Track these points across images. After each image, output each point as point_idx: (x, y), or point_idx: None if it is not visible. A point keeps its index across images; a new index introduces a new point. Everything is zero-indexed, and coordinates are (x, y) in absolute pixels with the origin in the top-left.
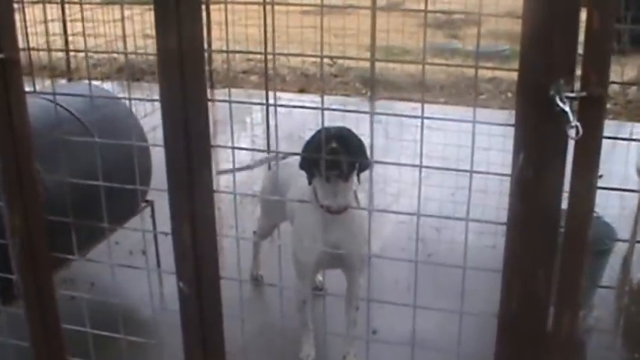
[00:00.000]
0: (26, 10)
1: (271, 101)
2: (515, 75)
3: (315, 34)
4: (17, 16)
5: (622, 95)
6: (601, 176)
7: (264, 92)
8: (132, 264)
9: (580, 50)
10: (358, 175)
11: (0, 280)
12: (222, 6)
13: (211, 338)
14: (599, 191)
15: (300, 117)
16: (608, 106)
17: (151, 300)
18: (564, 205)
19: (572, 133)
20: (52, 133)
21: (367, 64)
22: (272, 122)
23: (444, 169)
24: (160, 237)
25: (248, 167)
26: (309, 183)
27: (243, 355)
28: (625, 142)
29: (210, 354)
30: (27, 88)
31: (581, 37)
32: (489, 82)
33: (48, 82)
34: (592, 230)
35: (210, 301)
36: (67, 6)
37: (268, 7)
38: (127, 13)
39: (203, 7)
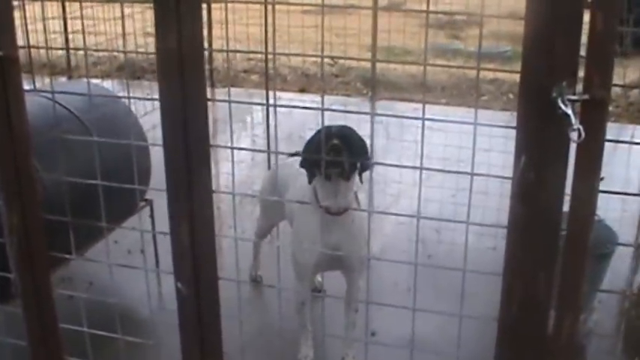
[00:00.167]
0: (26, 7)
1: (272, 101)
2: (516, 76)
3: (316, 34)
4: (17, 14)
5: (624, 98)
6: (602, 179)
7: (264, 92)
8: (130, 263)
9: (582, 52)
10: (360, 175)
11: None
12: (223, 5)
13: (209, 339)
14: (600, 194)
15: (301, 117)
16: (610, 108)
17: (149, 300)
18: (565, 207)
19: (574, 136)
20: (51, 131)
21: (368, 64)
22: (272, 122)
23: (444, 171)
24: (159, 236)
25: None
26: (309, 182)
27: (241, 356)
28: (626, 145)
29: (207, 354)
30: (27, 86)
31: (584, 39)
32: (491, 83)
33: (48, 80)
34: (593, 234)
35: (208, 301)
36: (67, 3)
37: (269, 7)
38: (127, 11)
39: (204, 5)
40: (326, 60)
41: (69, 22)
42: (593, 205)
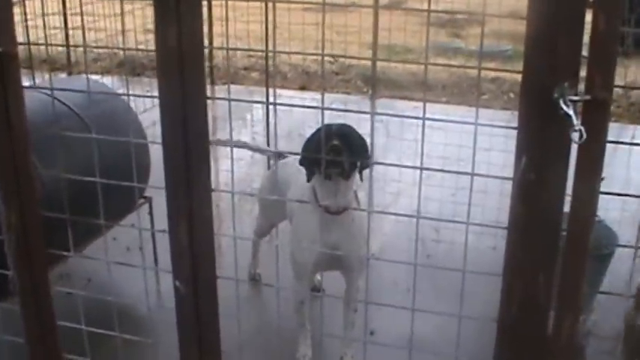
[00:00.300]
0: (26, 3)
1: (272, 99)
2: (517, 76)
3: (316, 32)
4: (17, 10)
5: (624, 98)
6: (602, 179)
7: (264, 89)
8: (129, 260)
9: (584, 52)
10: (361, 173)
11: None
12: (224, 2)
13: (207, 337)
14: (600, 195)
15: (301, 114)
16: (611, 108)
17: (147, 298)
18: (566, 208)
19: (575, 136)
20: (51, 128)
21: (369, 62)
22: (272, 120)
23: (445, 171)
24: (158, 233)
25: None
26: (308, 180)
27: (239, 355)
28: (627, 145)
29: (205, 353)
30: (27, 82)
31: (586, 39)
32: (492, 82)
33: (48, 76)
34: (593, 234)
35: (206, 300)
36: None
37: (270, 4)
38: (127, 7)
39: (204, 2)
40: (326, 58)
41: (69, 18)
42: (594, 206)
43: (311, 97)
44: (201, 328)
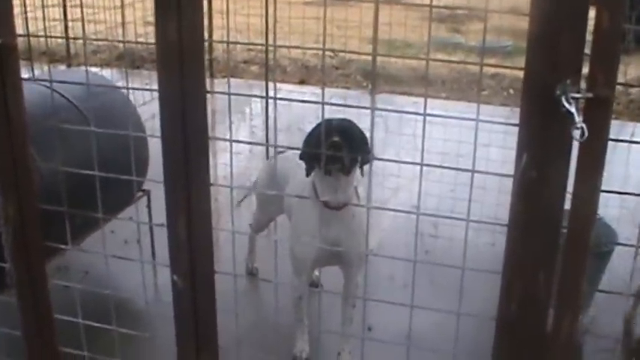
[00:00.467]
0: None
1: (271, 93)
2: (517, 72)
3: (317, 26)
4: (17, 1)
5: (624, 95)
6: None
7: (264, 83)
8: (127, 253)
9: (587, 50)
10: (361, 168)
11: None
12: None
13: (204, 332)
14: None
15: (300, 109)
16: None
17: (144, 291)
18: (566, 206)
19: (577, 134)
20: (49, 120)
21: (369, 57)
22: (271, 114)
23: (445, 167)
24: (156, 227)
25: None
26: (307, 175)
27: (236, 350)
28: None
29: (202, 348)
30: (26, 74)
31: (588, 36)
32: (492, 78)
33: (47, 68)
34: (593, 232)
35: (204, 295)
36: None
37: None
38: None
39: None
40: (327, 52)
41: (69, 9)
42: (595, 204)
43: (310, 92)
44: (198, 322)
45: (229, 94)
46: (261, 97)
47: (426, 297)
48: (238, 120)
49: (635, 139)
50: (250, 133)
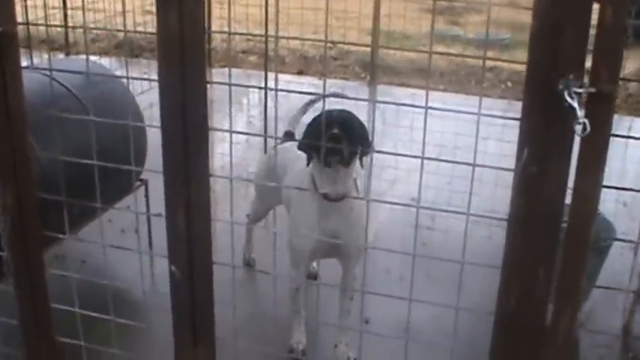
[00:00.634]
0: None
1: (270, 83)
2: (515, 65)
3: (315, 16)
4: None
5: (623, 89)
6: None
7: (262, 73)
8: (124, 242)
9: (590, 45)
10: (361, 159)
11: None
12: None
13: (202, 323)
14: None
15: (298, 100)
16: None
17: (142, 281)
18: (567, 201)
19: (579, 129)
20: (48, 108)
21: (367, 49)
22: (270, 104)
23: (446, 161)
24: (153, 216)
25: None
26: (308, 164)
27: (233, 341)
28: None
29: (200, 339)
30: (24, 62)
31: (591, 31)
32: (490, 71)
33: (46, 56)
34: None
35: (202, 286)
36: None
37: None
38: None
39: None
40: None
41: None
42: (596, 199)
43: (309, 82)
44: (195, 313)
45: (230, 84)
46: (261, 87)
47: (422, 289)
48: (235, 110)
49: (632, 134)
50: (247, 124)
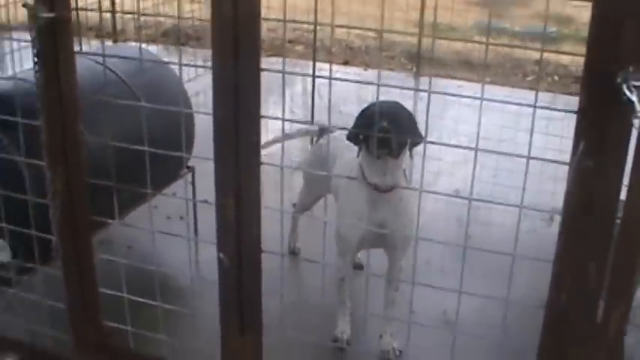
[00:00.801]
0: None
1: (322, 73)
2: (562, 58)
3: (362, 7)
4: None
5: None
6: None
7: (307, 62)
8: (169, 229)
9: None
10: (411, 151)
11: (39, 239)
12: None
13: (249, 311)
14: None
15: (343, 90)
16: None
17: (190, 268)
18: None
19: (637, 123)
20: (98, 95)
21: (414, 40)
22: (322, 94)
23: (501, 153)
24: (199, 203)
25: (288, 137)
26: (358, 155)
27: (278, 329)
28: None
29: (247, 327)
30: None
31: None
32: (536, 64)
33: (93, 43)
34: None
35: (250, 274)
36: None
37: None
38: None
39: None
40: (371, 33)
41: None
42: None
43: (354, 72)
44: (243, 301)
45: (283, 72)
46: (309, 75)
47: (466, 282)
48: (278, 100)
49: None
50: (290, 113)
